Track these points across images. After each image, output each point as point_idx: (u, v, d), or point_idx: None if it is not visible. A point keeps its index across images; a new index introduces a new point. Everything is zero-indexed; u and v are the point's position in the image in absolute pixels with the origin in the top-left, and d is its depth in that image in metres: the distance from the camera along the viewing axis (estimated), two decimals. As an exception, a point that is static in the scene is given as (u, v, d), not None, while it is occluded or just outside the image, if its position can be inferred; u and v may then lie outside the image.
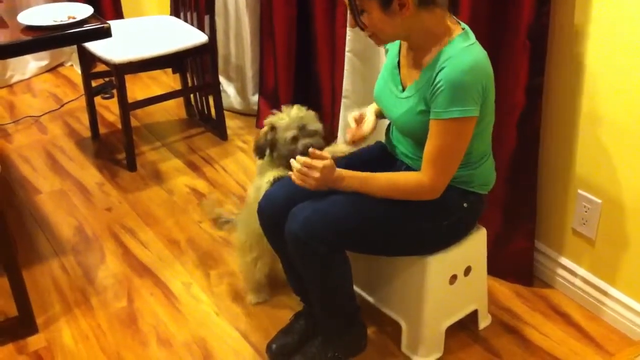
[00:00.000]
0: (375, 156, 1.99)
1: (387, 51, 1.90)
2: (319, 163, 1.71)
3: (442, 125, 1.65)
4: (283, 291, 2.29)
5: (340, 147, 2.10)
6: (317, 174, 1.71)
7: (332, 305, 1.90)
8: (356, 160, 1.94)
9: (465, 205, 1.84)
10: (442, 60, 1.65)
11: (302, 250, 1.76)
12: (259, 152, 2.06)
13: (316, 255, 1.75)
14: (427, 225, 1.82)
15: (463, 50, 1.65)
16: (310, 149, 1.75)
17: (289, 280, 2.08)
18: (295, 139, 1.99)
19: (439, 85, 1.63)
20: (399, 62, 1.82)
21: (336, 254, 1.79)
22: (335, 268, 1.81)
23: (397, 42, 1.84)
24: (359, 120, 1.99)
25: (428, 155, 1.70)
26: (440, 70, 1.64)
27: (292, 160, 1.77)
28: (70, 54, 4.22)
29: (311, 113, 2.05)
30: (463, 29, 1.71)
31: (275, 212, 1.85)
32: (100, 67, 3.34)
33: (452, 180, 1.76)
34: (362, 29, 1.70)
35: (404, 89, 1.79)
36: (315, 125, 2.02)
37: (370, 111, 2.01)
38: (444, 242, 1.91)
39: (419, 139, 1.78)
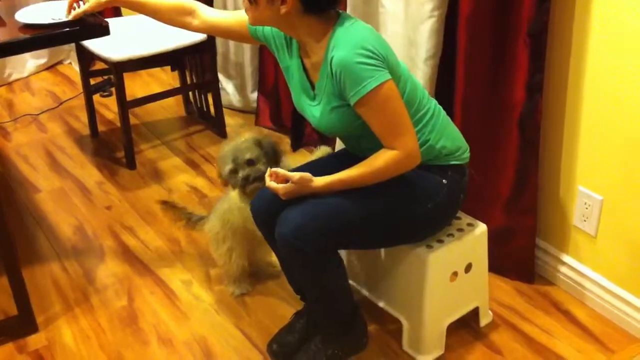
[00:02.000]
0: (347, 155, 1.96)
1: (286, 68, 1.88)
2: (278, 187, 1.74)
3: (366, 103, 1.66)
4: (283, 289, 2.29)
5: (319, 152, 2.10)
6: (280, 193, 1.75)
7: (329, 304, 1.89)
8: (332, 162, 1.93)
9: (444, 181, 1.84)
10: (329, 52, 1.68)
11: (295, 254, 1.76)
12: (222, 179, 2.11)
13: (309, 257, 1.74)
14: (415, 210, 1.82)
15: (343, 34, 1.68)
16: (270, 169, 1.77)
17: (288, 280, 2.08)
18: (234, 171, 2.03)
19: (337, 74, 1.65)
20: (305, 69, 1.82)
21: (328, 254, 1.79)
22: (328, 268, 1.80)
23: (295, 58, 1.83)
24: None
25: (381, 134, 1.71)
26: (331, 62, 1.66)
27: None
28: (68, 52, 4.21)
29: (249, 140, 2.04)
30: (339, 15, 1.73)
31: (268, 209, 1.85)
32: (99, 65, 3.34)
33: (424, 162, 1.77)
34: (250, 2, 1.71)
35: (315, 95, 1.80)
36: (251, 153, 2.02)
37: None
38: (436, 224, 1.91)
39: (349, 132, 1.82)
